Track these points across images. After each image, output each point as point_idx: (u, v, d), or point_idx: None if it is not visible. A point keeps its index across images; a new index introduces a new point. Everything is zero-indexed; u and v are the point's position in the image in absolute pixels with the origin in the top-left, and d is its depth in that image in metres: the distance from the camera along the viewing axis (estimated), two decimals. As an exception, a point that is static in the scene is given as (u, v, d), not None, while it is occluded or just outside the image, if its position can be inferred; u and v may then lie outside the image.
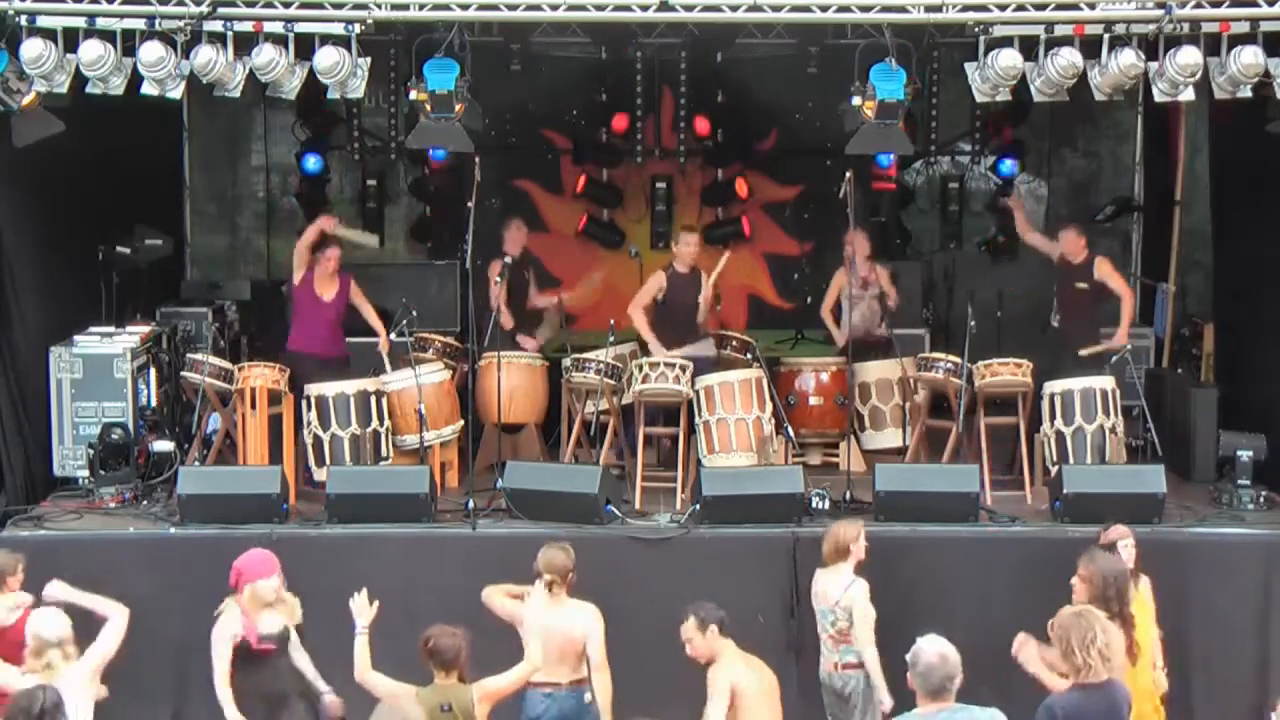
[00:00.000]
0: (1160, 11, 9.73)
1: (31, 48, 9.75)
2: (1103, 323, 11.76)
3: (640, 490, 10.92)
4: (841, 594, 8.66)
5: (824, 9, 9.98)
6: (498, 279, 11.57)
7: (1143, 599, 8.48)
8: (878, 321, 12.26)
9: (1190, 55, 9.81)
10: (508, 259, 12.05)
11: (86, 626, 7.42)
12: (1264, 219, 11.65)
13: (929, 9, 9.89)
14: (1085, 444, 10.85)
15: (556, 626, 8.03)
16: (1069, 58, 9.93)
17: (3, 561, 8.26)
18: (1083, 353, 11.45)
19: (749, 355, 11.97)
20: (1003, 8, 9.90)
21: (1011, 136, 14.87)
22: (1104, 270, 11.64)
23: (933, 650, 6.36)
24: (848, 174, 10.76)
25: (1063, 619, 6.74)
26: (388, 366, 11.42)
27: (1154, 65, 9.99)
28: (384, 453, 11.02)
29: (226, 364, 11.49)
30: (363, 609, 7.37)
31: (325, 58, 9.97)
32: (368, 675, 7.22)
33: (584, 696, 8.04)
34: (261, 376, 10.93)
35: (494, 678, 7.30)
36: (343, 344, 11.79)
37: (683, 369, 11.10)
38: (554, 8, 10.01)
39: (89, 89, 10.05)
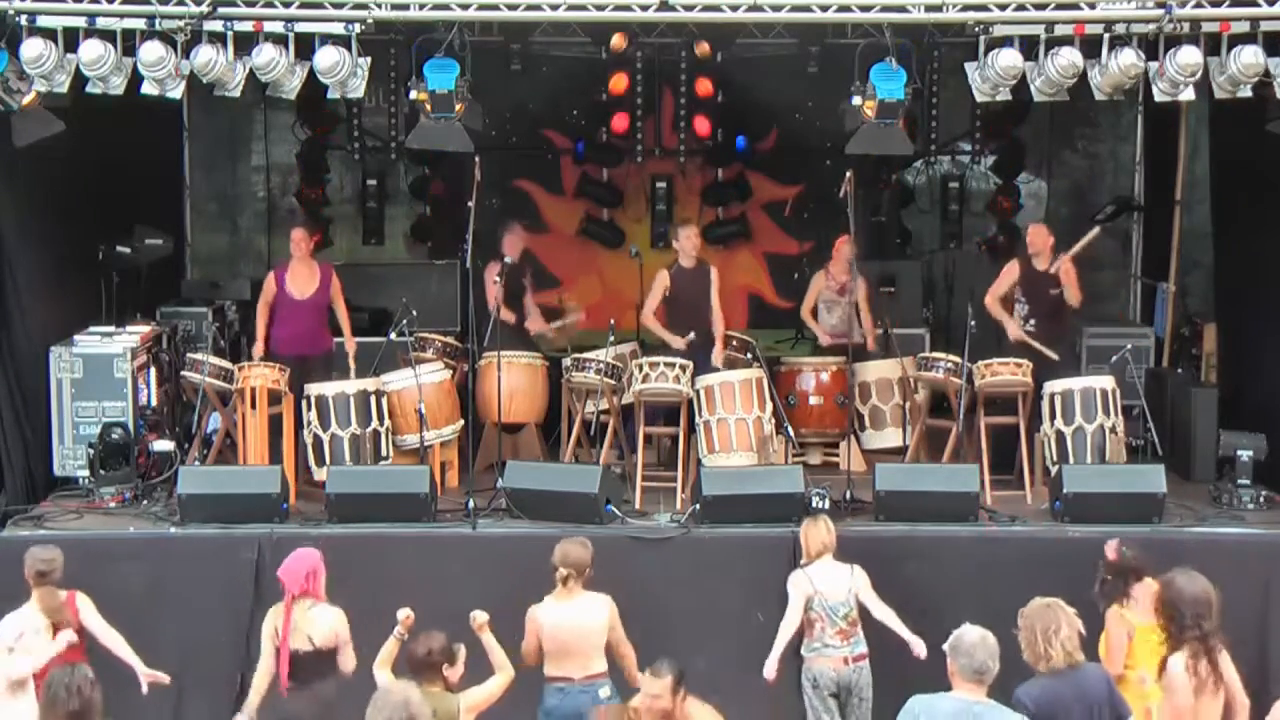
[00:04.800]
0: (1160, 11, 9.73)
1: (31, 48, 9.75)
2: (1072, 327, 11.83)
3: (640, 490, 10.92)
4: (850, 580, 8.77)
5: (824, 9, 9.99)
6: (496, 279, 11.55)
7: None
8: (856, 326, 12.17)
9: (1190, 55, 9.82)
10: (507, 259, 12.04)
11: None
12: (1264, 219, 11.65)
13: (929, 9, 9.90)
14: (1085, 444, 10.85)
15: (568, 621, 8.05)
16: (1069, 57, 9.93)
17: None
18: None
19: (749, 355, 11.97)
20: (1003, 7, 9.90)
21: (1011, 136, 14.88)
22: (1068, 270, 11.47)
23: (974, 632, 6.43)
24: (848, 174, 10.76)
25: (1031, 608, 6.81)
26: (352, 372, 11.37)
27: (1154, 65, 9.99)
28: (384, 453, 11.02)
29: (226, 364, 11.49)
30: (405, 621, 7.57)
31: (325, 58, 9.98)
32: (382, 670, 7.45)
33: (598, 692, 8.01)
34: (261, 376, 10.93)
35: (477, 688, 7.37)
36: (327, 340, 11.74)
37: (683, 369, 11.10)
38: (554, 8, 10.02)
39: (89, 89, 10.05)
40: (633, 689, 7.82)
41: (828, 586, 8.75)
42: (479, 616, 7.63)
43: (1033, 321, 11.59)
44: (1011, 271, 11.68)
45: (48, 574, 8.15)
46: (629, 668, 8.10)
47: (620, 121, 14.33)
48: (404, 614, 7.58)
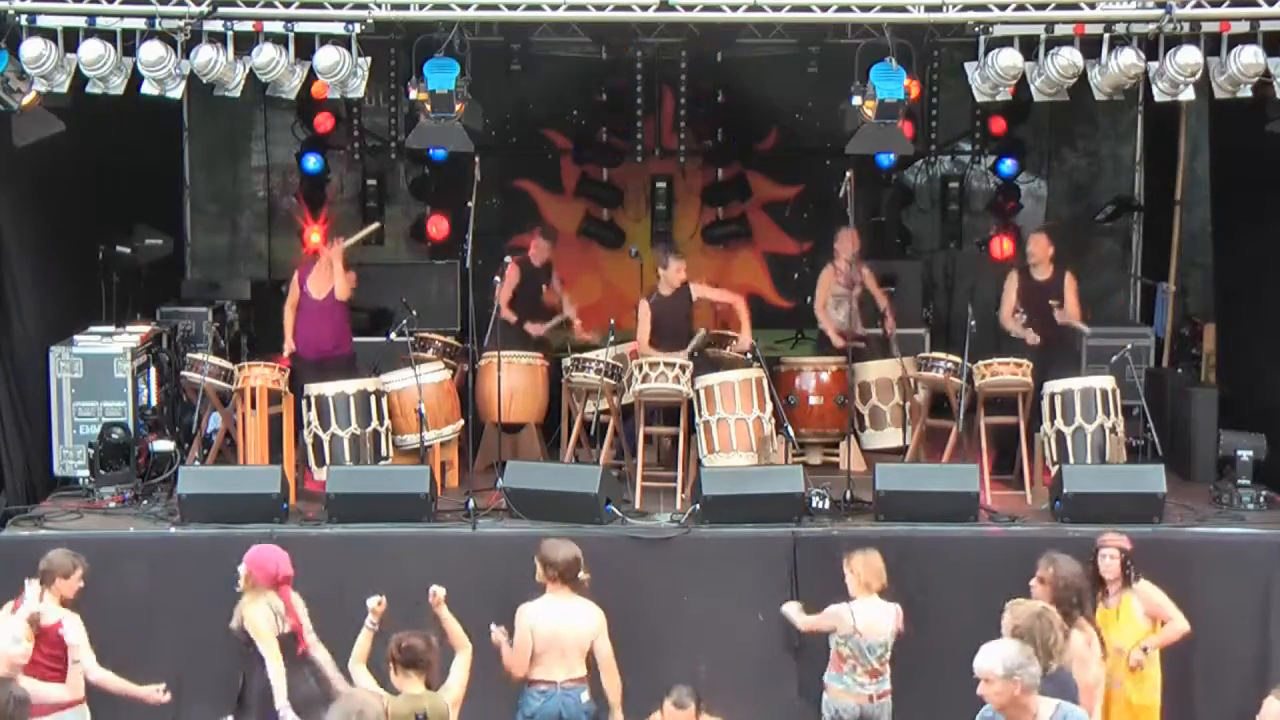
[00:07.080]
0: (1160, 11, 9.73)
1: (31, 48, 9.75)
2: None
3: (640, 490, 10.91)
4: (893, 621, 8.52)
5: (824, 9, 9.98)
6: (497, 279, 11.50)
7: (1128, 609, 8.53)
8: (861, 321, 12.20)
9: (1190, 55, 9.82)
10: (506, 260, 12.02)
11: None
12: (1264, 219, 11.65)
13: (929, 9, 9.89)
14: (1085, 444, 10.85)
15: (556, 621, 8.03)
16: (1069, 57, 9.93)
17: (59, 561, 8.20)
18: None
19: (749, 355, 11.96)
20: (1003, 7, 9.90)
21: (1011, 136, 14.88)
22: (1071, 288, 11.59)
23: None
24: (848, 174, 10.76)
25: (1023, 619, 6.77)
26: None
27: (1154, 65, 9.99)
28: (384, 453, 11.02)
29: (226, 364, 11.50)
30: (376, 608, 7.55)
31: (325, 58, 9.97)
32: (358, 667, 7.40)
33: (580, 696, 8.01)
34: (261, 376, 10.93)
35: (451, 680, 7.32)
36: (347, 343, 11.76)
37: (683, 369, 11.10)
38: (554, 8, 10.01)
39: (89, 89, 10.05)
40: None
41: (869, 626, 8.45)
42: (438, 591, 7.62)
43: (1038, 338, 11.58)
44: (1012, 283, 11.77)
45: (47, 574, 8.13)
46: (613, 694, 8.06)
47: (620, 121, 14.34)
48: (374, 601, 7.53)
